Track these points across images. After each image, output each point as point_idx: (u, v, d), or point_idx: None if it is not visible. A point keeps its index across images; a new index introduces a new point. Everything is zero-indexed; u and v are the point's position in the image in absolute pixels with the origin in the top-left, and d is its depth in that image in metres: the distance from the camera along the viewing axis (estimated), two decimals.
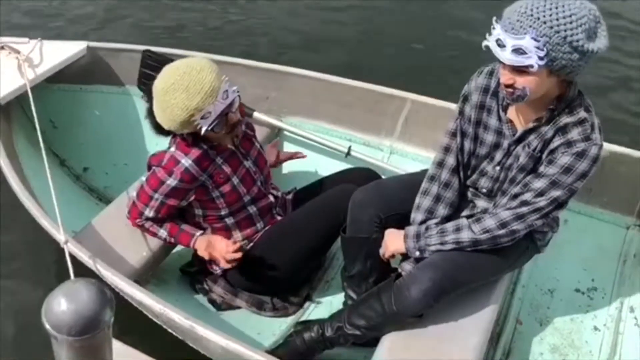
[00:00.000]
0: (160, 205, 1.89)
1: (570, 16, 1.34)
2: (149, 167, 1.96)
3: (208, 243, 1.92)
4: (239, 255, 1.87)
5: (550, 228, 1.76)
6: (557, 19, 1.33)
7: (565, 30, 1.34)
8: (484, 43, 1.44)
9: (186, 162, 1.83)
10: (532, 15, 1.34)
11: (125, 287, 1.74)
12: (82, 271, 1.81)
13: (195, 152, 1.84)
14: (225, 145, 1.91)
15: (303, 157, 2.34)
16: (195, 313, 1.75)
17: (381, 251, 1.84)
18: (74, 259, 1.67)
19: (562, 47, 1.35)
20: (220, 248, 1.88)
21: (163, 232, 1.96)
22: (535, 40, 1.34)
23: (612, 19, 3.92)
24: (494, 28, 1.42)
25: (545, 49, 1.35)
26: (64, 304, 0.90)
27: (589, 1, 1.39)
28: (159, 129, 1.86)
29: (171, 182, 1.84)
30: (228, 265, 1.88)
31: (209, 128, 1.75)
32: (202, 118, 1.73)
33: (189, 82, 1.70)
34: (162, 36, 4.07)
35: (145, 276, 2.03)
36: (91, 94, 2.70)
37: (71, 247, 1.74)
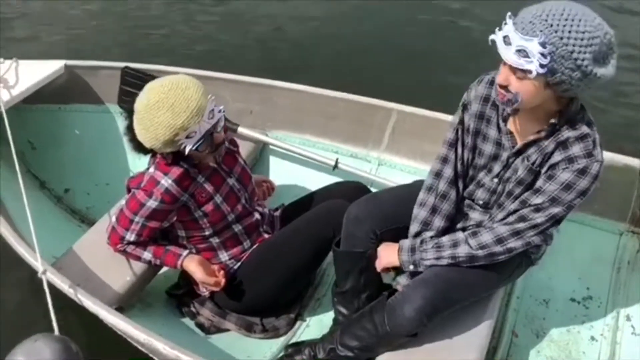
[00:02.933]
0: (141, 228, 1.83)
1: (583, 32, 1.28)
2: (128, 190, 1.90)
3: (199, 261, 1.88)
4: (218, 280, 1.85)
5: (544, 242, 1.72)
6: (570, 32, 1.28)
7: (573, 45, 1.28)
8: (491, 37, 1.37)
9: (166, 182, 1.77)
10: (546, 20, 1.29)
11: (108, 317, 1.68)
12: (63, 299, 1.75)
13: (175, 172, 1.79)
14: (207, 164, 1.86)
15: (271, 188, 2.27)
16: (182, 338, 1.70)
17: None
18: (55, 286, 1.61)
19: (565, 62, 1.30)
20: (202, 277, 1.86)
21: (147, 255, 1.90)
22: (542, 46, 1.29)
23: None
24: (505, 23, 1.35)
25: (548, 58, 1.30)
26: None
27: (608, 26, 1.33)
28: (139, 148, 1.80)
29: (151, 203, 1.78)
30: (211, 289, 1.83)
31: (193, 148, 1.70)
32: (186, 137, 1.68)
33: (175, 100, 1.64)
34: (141, 52, 4.02)
35: (130, 301, 1.97)
36: (70, 113, 2.64)
37: (50, 277, 1.68)
